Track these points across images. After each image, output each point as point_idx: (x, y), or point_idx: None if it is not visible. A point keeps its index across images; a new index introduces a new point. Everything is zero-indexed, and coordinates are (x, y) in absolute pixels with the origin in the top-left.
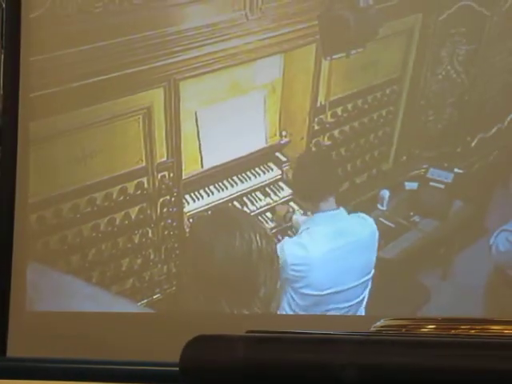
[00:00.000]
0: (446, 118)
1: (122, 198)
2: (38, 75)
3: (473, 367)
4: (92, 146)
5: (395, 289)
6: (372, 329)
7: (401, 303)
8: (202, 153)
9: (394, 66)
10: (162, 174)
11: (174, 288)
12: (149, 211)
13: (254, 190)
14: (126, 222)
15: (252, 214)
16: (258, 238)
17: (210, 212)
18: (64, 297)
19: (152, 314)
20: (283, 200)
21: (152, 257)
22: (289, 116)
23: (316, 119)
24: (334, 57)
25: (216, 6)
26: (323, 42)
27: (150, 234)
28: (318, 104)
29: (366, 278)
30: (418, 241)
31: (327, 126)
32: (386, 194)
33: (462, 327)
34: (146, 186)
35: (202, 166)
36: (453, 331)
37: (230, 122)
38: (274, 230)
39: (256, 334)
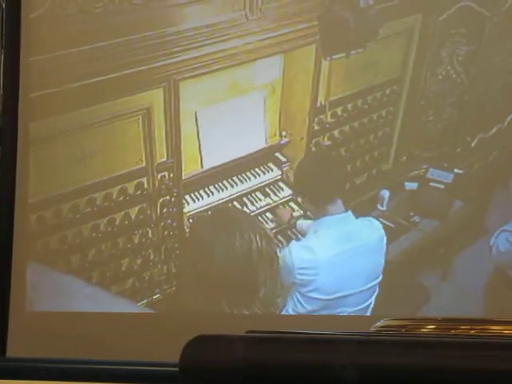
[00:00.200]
0: (446, 118)
1: (121, 198)
2: (37, 75)
3: (473, 367)
4: (92, 146)
5: (395, 289)
6: (372, 329)
7: (401, 303)
8: (202, 153)
9: (393, 66)
10: (162, 174)
11: (173, 288)
12: (149, 211)
13: (254, 191)
14: (126, 222)
15: (252, 214)
16: (257, 238)
17: (209, 212)
18: (64, 297)
19: (152, 314)
20: (283, 200)
21: (152, 257)
22: (289, 116)
23: (316, 119)
24: (334, 57)
25: (216, 7)
26: (323, 43)
27: (149, 235)
28: (318, 104)
29: (374, 282)
30: (417, 241)
31: (327, 126)
32: (385, 194)
33: (462, 327)
34: (145, 186)
35: (202, 167)
36: (453, 331)
37: (229, 122)
38: (274, 231)
39: (256, 334)
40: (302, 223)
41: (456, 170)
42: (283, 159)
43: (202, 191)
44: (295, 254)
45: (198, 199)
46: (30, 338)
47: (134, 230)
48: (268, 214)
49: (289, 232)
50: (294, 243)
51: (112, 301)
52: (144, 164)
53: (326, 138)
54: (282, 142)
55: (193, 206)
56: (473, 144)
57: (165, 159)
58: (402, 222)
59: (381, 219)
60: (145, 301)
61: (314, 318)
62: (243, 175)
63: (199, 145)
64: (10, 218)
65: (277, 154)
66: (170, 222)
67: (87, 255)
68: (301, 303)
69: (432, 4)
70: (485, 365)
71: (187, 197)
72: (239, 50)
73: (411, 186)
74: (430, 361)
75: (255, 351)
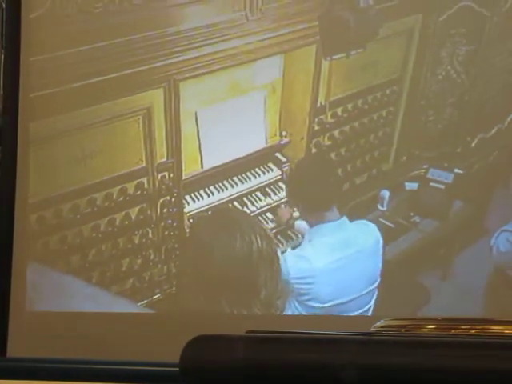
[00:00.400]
0: (446, 118)
1: (122, 198)
2: (38, 75)
3: (473, 367)
4: (92, 146)
5: (395, 289)
6: (372, 329)
7: (401, 303)
8: (202, 153)
9: (394, 66)
10: (162, 174)
11: (174, 288)
12: (149, 211)
13: (254, 191)
14: (126, 222)
15: (252, 214)
16: (258, 239)
17: (210, 212)
18: (64, 297)
19: (152, 314)
20: (283, 200)
21: (152, 257)
22: (289, 116)
23: (316, 119)
24: (334, 57)
25: (216, 7)
26: (323, 43)
27: (150, 235)
28: (318, 104)
29: (373, 286)
30: (418, 241)
31: (327, 126)
32: (386, 194)
33: (463, 327)
34: (146, 186)
35: (202, 167)
36: (453, 331)
37: (230, 122)
38: (274, 231)
39: (256, 334)
40: (300, 224)
41: (456, 170)
42: (283, 159)
43: (202, 191)
44: (290, 263)
45: (198, 199)
46: (30, 338)
47: (135, 230)
48: (268, 214)
49: (289, 232)
50: (289, 252)
51: (112, 301)
52: (144, 164)
53: (326, 138)
54: (282, 142)
55: (193, 206)
56: (473, 144)
57: (165, 159)
58: (403, 222)
59: (381, 219)
60: (145, 301)
61: (314, 318)
62: (243, 175)
63: (199, 145)
64: (10, 217)
65: (277, 154)
66: (170, 222)
67: (87, 255)
68: (299, 311)
69: (432, 4)
70: (485, 364)
71: (187, 197)
72: (239, 50)
73: (411, 186)
74: (430, 361)
75: (255, 351)
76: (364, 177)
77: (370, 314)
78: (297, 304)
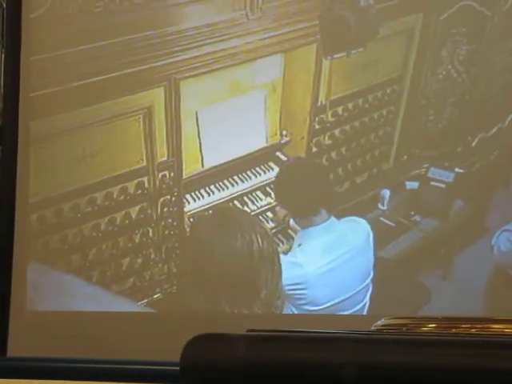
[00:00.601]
0: (447, 117)
1: (122, 197)
2: (38, 75)
3: (473, 366)
4: (92, 145)
5: (395, 288)
6: (373, 328)
7: (401, 303)
8: (203, 152)
9: (394, 65)
10: (163, 173)
11: (174, 287)
12: (149, 211)
13: (255, 190)
14: (127, 221)
15: (252, 213)
16: (259, 238)
17: (210, 212)
18: (64, 296)
19: (152, 313)
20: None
21: (152, 256)
22: (289, 115)
23: (317, 118)
24: (335, 56)
25: (216, 6)
26: (324, 42)
27: (150, 234)
28: (319, 103)
29: (367, 282)
30: (418, 240)
31: (328, 125)
32: (386, 193)
33: (463, 326)
34: (146, 185)
35: (203, 166)
36: (453, 330)
37: (230, 121)
38: (274, 230)
39: (257, 333)
40: (294, 223)
41: (457, 170)
42: (284, 158)
43: (202, 190)
44: (283, 269)
45: (199, 198)
46: (31, 338)
47: (135, 229)
48: (269, 214)
49: (289, 231)
50: (281, 258)
51: (112, 300)
52: (145, 163)
53: (326, 138)
54: (282, 142)
55: (193, 205)
56: (473, 143)
57: (165, 158)
58: (403, 221)
59: (381, 218)
60: (145, 300)
61: (314, 317)
62: (244, 174)
63: (200, 144)
64: (11, 217)
65: (277, 154)
66: (170, 221)
67: (88, 255)
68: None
69: (433, 3)
70: (485, 363)
71: (188, 196)
72: (240, 49)
73: (412, 185)
74: (431, 359)
75: (256, 350)
76: (364, 176)
77: (366, 309)
78: (293, 308)
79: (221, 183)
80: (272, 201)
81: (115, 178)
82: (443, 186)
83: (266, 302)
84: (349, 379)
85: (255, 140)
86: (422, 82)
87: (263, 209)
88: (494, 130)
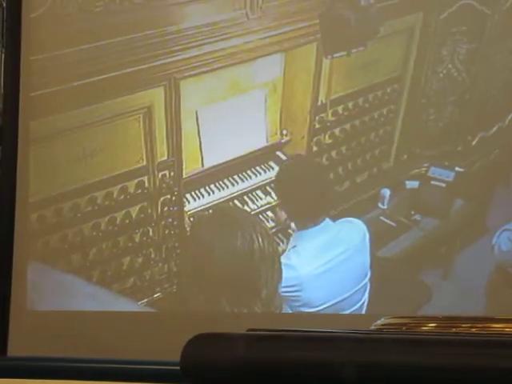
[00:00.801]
0: (447, 116)
1: (122, 197)
2: (38, 74)
3: (473, 365)
4: (92, 145)
5: (396, 288)
6: (372, 327)
7: (401, 302)
8: (203, 152)
9: (394, 64)
10: (163, 172)
11: (174, 287)
12: (149, 210)
13: (255, 189)
14: (127, 221)
15: (253, 212)
16: (259, 238)
17: (210, 211)
18: (65, 296)
19: (153, 313)
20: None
21: (153, 256)
22: (289, 115)
23: (317, 118)
24: (335, 55)
25: (216, 5)
26: (324, 41)
27: (150, 233)
28: (319, 103)
29: (364, 282)
30: (418, 240)
31: (328, 124)
32: (386, 192)
33: (463, 325)
34: (146, 185)
35: (203, 165)
36: (454, 329)
37: (230, 120)
38: (274, 230)
39: (257, 333)
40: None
41: (457, 169)
42: (284, 158)
43: (202, 190)
44: None
45: (199, 198)
46: (31, 337)
47: (135, 228)
48: (269, 213)
49: (290, 230)
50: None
51: (113, 300)
52: (145, 163)
53: (327, 137)
54: (282, 141)
55: (194, 204)
56: (474, 142)
57: (165, 158)
58: (403, 220)
59: (382, 218)
60: (146, 300)
61: (314, 316)
62: (244, 174)
63: (200, 143)
64: (11, 217)
65: (278, 153)
66: (170, 220)
67: (88, 254)
68: None
69: (433, 2)
70: (486, 363)
71: (188, 195)
72: (240, 48)
73: (412, 184)
74: (431, 359)
75: (256, 349)
76: (365, 175)
77: (364, 309)
78: (289, 310)
79: (221, 182)
80: (272, 200)
81: (115, 178)
82: (443, 185)
83: (267, 301)
84: (348, 379)
85: (255, 139)
86: (422, 81)
87: (263, 208)
88: (495, 129)
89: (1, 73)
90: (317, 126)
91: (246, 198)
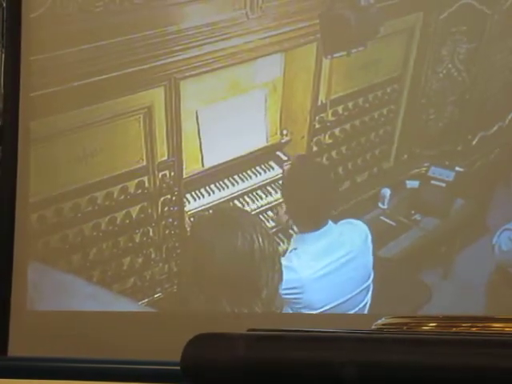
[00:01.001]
0: (447, 116)
1: (122, 197)
2: (38, 74)
3: (474, 365)
4: (93, 145)
5: (396, 287)
6: (373, 327)
7: (402, 302)
8: (203, 152)
9: (394, 64)
10: (163, 173)
11: (175, 287)
12: (150, 210)
13: (255, 189)
14: (127, 221)
15: (253, 212)
16: (259, 237)
17: (211, 211)
18: (65, 296)
19: (153, 313)
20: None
21: (153, 256)
22: (290, 115)
23: (317, 118)
24: (335, 55)
25: (216, 5)
26: (324, 41)
27: (150, 233)
28: (319, 103)
29: (367, 283)
30: (419, 239)
31: (328, 124)
32: (387, 192)
33: (463, 325)
34: (146, 185)
35: (203, 165)
36: (454, 329)
37: (230, 120)
38: (274, 229)
39: (257, 333)
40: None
41: (457, 168)
42: (284, 158)
43: (202, 190)
44: None
45: (199, 198)
46: (32, 338)
47: (135, 228)
48: (269, 213)
49: (290, 231)
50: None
51: (113, 300)
52: (145, 163)
53: (327, 137)
54: (282, 141)
55: (194, 204)
56: (474, 142)
57: (166, 158)
58: (403, 220)
59: (382, 217)
60: (146, 300)
61: (315, 316)
62: (244, 174)
63: (200, 143)
64: (11, 217)
65: (278, 153)
66: (171, 220)
67: (88, 254)
68: None
69: (433, 2)
70: (486, 362)
71: (188, 195)
72: (240, 48)
73: (412, 184)
74: (431, 358)
75: (256, 349)
76: (365, 175)
77: (366, 311)
78: (290, 311)
79: (221, 182)
80: (272, 200)
81: (115, 178)
82: (444, 184)
83: (267, 301)
84: (349, 378)
85: (255, 139)
86: (422, 80)
87: (264, 208)
88: (495, 128)
89: (1, 73)
90: (317, 125)
91: (246, 197)
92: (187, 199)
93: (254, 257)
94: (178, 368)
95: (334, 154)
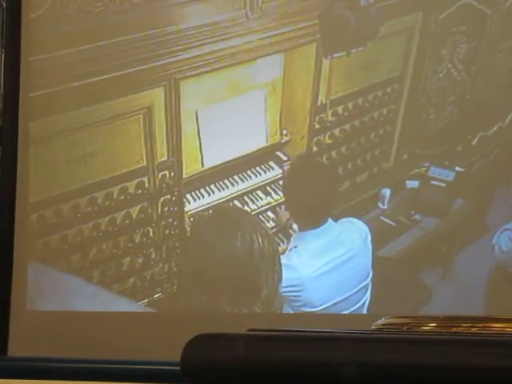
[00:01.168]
0: (447, 116)
1: (122, 197)
2: (38, 75)
3: (474, 365)
4: (92, 145)
5: (396, 287)
6: (373, 327)
7: (402, 302)
8: (203, 152)
9: (394, 64)
10: (163, 173)
11: (174, 287)
12: (150, 210)
13: (255, 189)
14: (127, 221)
15: (253, 213)
16: (259, 238)
17: (210, 211)
18: (65, 296)
19: (153, 313)
20: (284, 199)
21: (153, 256)
22: (289, 115)
23: (317, 118)
24: (335, 56)
25: (216, 5)
26: (324, 41)
27: (150, 234)
28: (319, 103)
29: (365, 282)
30: (418, 239)
31: (328, 124)
32: (386, 192)
33: (463, 325)
34: (146, 185)
35: (203, 165)
36: (454, 329)
37: (230, 121)
38: (274, 230)
39: (257, 333)
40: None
41: (457, 168)
42: (284, 158)
43: (202, 190)
44: None
45: (199, 198)
46: (31, 338)
47: (135, 229)
48: (269, 213)
49: (290, 231)
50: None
51: (113, 300)
52: (145, 163)
53: (326, 137)
54: (282, 141)
55: (194, 204)
56: (474, 142)
57: (165, 158)
58: (403, 220)
59: (382, 217)
60: (146, 300)
61: (314, 316)
62: (244, 174)
63: (200, 144)
64: (11, 217)
65: (278, 153)
66: (170, 220)
67: (88, 254)
68: None
69: (432, 2)
70: (486, 362)
71: (188, 196)
72: (240, 48)
73: (412, 184)
74: (431, 358)
75: (256, 349)
76: (365, 175)
77: (365, 308)
78: (290, 310)
79: (221, 183)
80: (272, 200)
81: (115, 178)
82: (443, 184)
83: (267, 301)
84: (349, 379)
85: (255, 139)
86: (422, 80)
87: (263, 208)
88: (495, 128)
89: (1, 73)
90: (317, 126)
91: (246, 198)
92: (187, 199)
93: (254, 257)
94: (178, 368)
95: (333, 154)
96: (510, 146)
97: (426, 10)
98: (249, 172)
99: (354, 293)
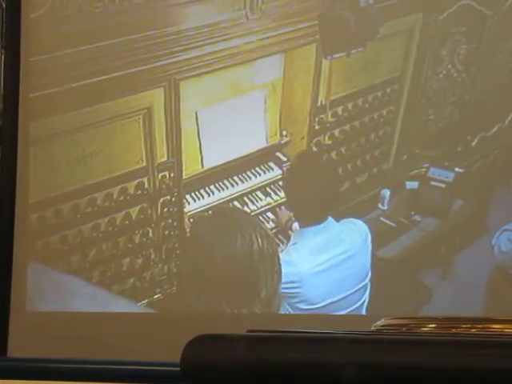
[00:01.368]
0: (447, 116)
1: (122, 198)
2: (38, 75)
3: (473, 366)
4: (92, 146)
5: (396, 288)
6: (372, 328)
7: (401, 302)
8: (203, 153)
9: (394, 65)
10: (163, 173)
11: (174, 288)
12: (149, 211)
13: (255, 190)
14: (127, 221)
15: (253, 213)
16: (259, 238)
17: (210, 212)
18: (64, 297)
19: (153, 314)
20: (284, 200)
21: (153, 257)
22: (289, 115)
23: (316, 119)
24: (335, 56)
25: (216, 6)
26: (324, 42)
27: (150, 234)
28: (319, 103)
29: (364, 282)
30: (418, 240)
31: (328, 125)
32: (386, 193)
33: (463, 326)
34: (146, 185)
35: (203, 166)
36: (453, 330)
37: (230, 121)
38: (274, 230)
39: (257, 334)
40: (297, 226)
41: (457, 169)
42: (284, 158)
43: (202, 191)
44: None
45: (199, 199)
46: (31, 338)
47: (135, 229)
48: (269, 214)
49: (290, 232)
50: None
51: (113, 301)
52: (144, 164)
53: (326, 138)
54: (282, 142)
55: (193, 205)
56: (474, 143)
57: (165, 159)
58: (403, 220)
59: (382, 218)
60: (145, 301)
61: (314, 317)
62: (244, 174)
63: (200, 144)
64: (11, 217)
65: (277, 154)
66: (170, 221)
67: (88, 255)
68: (290, 313)
69: (432, 3)
70: (485, 363)
71: (188, 196)
72: (240, 49)
73: (412, 184)
74: (431, 359)
75: (256, 350)
76: (364, 176)
77: (364, 308)
78: (287, 306)
79: (221, 183)
80: (272, 201)
81: (115, 179)
82: (443, 185)
83: (266, 302)
84: (348, 379)
85: (255, 140)
86: (421, 81)
87: (263, 209)
88: (494, 129)
89: (0, 74)
90: (316, 126)
91: (245, 198)
92: (187, 200)
93: (253, 258)
94: (178, 369)
95: (333, 154)
96: (509, 146)
97: (426, 11)
98: (248, 173)
99: (353, 292)
